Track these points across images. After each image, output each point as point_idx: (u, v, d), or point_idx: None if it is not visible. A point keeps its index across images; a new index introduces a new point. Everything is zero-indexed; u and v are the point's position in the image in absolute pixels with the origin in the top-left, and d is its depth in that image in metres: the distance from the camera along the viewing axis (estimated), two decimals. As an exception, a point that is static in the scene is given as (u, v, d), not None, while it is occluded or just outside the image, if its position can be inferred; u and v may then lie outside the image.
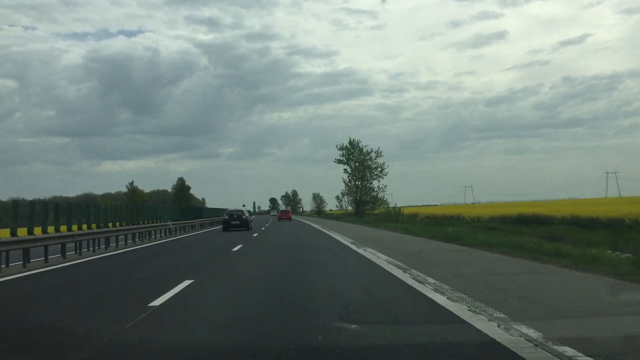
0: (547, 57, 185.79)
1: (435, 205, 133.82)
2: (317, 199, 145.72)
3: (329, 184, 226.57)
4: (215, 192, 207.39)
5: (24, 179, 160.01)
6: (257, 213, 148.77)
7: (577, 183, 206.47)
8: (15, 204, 15.71)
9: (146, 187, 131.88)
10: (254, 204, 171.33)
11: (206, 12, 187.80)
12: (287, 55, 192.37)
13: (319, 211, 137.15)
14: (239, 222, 35.94)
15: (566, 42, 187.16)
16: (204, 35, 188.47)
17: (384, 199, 66.53)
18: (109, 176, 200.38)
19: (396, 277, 10.06)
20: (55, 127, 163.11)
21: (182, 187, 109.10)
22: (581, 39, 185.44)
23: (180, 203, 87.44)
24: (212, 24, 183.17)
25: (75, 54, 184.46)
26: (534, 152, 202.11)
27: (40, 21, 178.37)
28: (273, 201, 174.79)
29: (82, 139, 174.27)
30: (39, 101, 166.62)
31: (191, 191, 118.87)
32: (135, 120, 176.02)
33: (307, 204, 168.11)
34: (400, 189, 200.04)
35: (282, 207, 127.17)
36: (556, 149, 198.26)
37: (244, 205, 60.04)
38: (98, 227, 19.11)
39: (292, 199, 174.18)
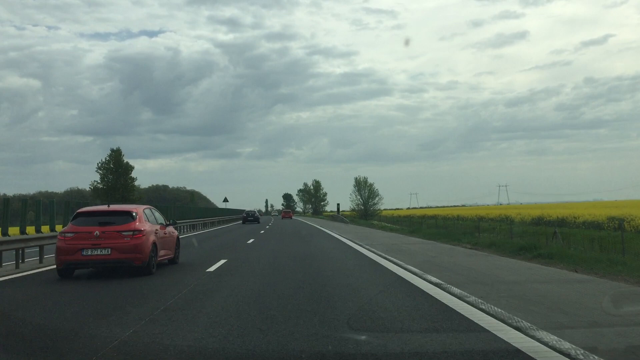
0: (569, 57, 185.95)
1: (462, 206, 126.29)
2: (364, 188, 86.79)
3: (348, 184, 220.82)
4: (233, 191, 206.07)
5: (47, 177, 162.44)
6: (262, 213, 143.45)
7: (618, 185, 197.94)
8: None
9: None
10: (267, 201, 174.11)
11: (227, 12, 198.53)
12: (306, 55, 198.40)
13: (366, 211, 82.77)
14: (252, 218, 57.56)
15: (589, 43, 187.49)
16: (225, 35, 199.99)
17: None
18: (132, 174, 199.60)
19: None
20: (77, 126, 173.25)
21: (116, 163, 64.68)
22: (604, 40, 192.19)
23: (110, 197, 57.28)
24: (232, 24, 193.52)
25: (97, 53, 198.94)
26: (555, 154, 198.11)
27: (63, 21, 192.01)
28: (287, 197, 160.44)
29: (104, 138, 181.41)
30: (62, 100, 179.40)
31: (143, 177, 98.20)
32: (156, 120, 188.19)
33: (332, 200, 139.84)
34: (420, 189, 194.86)
35: (301, 204, 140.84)
36: (578, 150, 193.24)
37: (225, 199, 69.88)
38: None
39: (313, 194, 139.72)
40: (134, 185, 66.67)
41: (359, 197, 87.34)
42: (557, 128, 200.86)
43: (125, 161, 65.82)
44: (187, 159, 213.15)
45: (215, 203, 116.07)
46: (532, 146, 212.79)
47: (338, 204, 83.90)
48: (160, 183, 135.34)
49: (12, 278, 11.94)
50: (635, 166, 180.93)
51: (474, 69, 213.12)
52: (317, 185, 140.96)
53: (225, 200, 69.70)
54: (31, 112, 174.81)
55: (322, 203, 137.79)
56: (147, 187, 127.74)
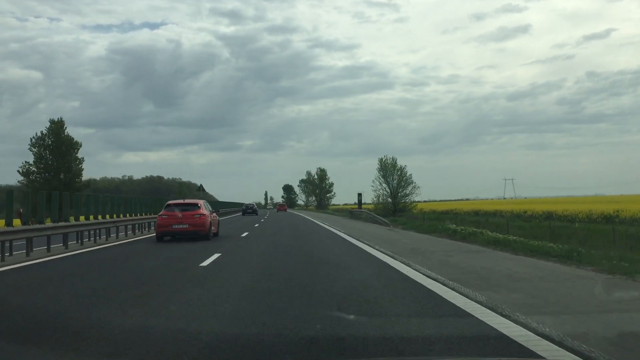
0: (571, 51, 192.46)
1: (466, 200, 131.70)
2: (391, 173, 61.45)
3: (351, 177, 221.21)
4: (233, 184, 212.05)
5: None
6: (261, 206, 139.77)
7: (623, 179, 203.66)
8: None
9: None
10: (266, 194, 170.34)
11: (229, 4, 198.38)
12: (308, 48, 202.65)
13: (394, 204, 59.28)
14: (251, 211, 67.00)
15: (591, 37, 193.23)
16: (226, 28, 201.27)
17: None
18: (130, 167, 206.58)
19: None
20: (79, 118, 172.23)
21: (56, 138, 50.13)
22: (606, 34, 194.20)
23: (47, 185, 44.10)
24: (234, 16, 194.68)
25: (99, 45, 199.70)
26: (556, 148, 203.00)
27: (65, 13, 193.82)
28: (288, 189, 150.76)
29: (105, 130, 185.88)
30: (64, 92, 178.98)
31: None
32: (157, 112, 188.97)
33: (340, 193, 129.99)
34: (420, 183, 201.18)
35: (304, 196, 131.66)
36: (579, 144, 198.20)
37: (200, 188, 65.80)
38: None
39: (317, 185, 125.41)
40: (81, 169, 51.78)
41: (384, 185, 61.28)
42: (559, 122, 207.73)
43: (68, 135, 50.77)
44: (188, 152, 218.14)
45: (214, 196, 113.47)
46: (533, 140, 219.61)
47: (360, 194, 58.93)
48: (155, 174, 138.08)
49: (130, 241, 21.30)
50: (636, 161, 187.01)
51: (475, 63, 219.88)
52: (322, 174, 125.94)
53: (201, 189, 65.19)
54: (32, 104, 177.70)
55: (327, 195, 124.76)
56: (140, 178, 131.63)
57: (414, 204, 61.30)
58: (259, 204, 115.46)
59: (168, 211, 21.00)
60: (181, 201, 22.73)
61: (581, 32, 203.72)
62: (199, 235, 20.55)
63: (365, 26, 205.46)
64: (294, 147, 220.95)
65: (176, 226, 20.47)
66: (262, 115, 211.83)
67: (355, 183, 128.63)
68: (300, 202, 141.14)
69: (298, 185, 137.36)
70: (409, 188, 60.68)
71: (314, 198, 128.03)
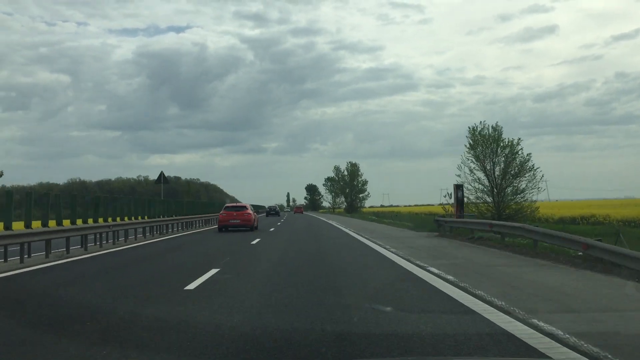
0: (599, 51, 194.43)
1: None
2: (494, 150, 31.74)
3: (373, 179, 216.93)
4: (257, 186, 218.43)
5: (76, 171, 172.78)
6: (283, 208, 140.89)
7: None
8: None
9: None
10: (288, 195, 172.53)
11: (253, 7, 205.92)
12: (332, 50, 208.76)
13: (499, 206, 31.11)
14: (274, 212, 78.83)
15: (619, 37, 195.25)
16: (251, 31, 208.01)
17: None
18: (156, 169, 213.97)
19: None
20: (106, 121, 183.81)
21: None
22: (635, 34, 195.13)
23: None
24: (258, 19, 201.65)
25: (125, 49, 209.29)
26: (584, 149, 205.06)
27: (92, 17, 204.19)
28: (312, 189, 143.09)
29: (131, 132, 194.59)
30: (91, 96, 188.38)
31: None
32: (182, 115, 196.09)
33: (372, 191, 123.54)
34: (446, 185, 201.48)
35: (330, 198, 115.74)
36: (608, 146, 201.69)
37: (159, 179, 46.12)
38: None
39: (347, 182, 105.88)
40: None
41: (477, 174, 33.28)
42: (587, 124, 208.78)
43: None
44: (213, 154, 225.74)
45: (236, 197, 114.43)
46: (561, 142, 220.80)
47: (459, 186, 29.59)
48: (174, 175, 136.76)
49: (198, 231, 32.45)
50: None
51: (501, 64, 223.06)
52: (353, 169, 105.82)
53: (161, 180, 45.45)
54: (61, 107, 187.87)
55: (360, 195, 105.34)
56: (156, 178, 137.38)
57: (534, 205, 33.97)
58: (280, 206, 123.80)
59: (226, 211, 32.30)
60: (234, 204, 34.06)
61: (609, 32, 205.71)
62: (247, 227, 31.49)
63: (389, 28, 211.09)
64: (318, 149, 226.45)
65: (232, 221, 31.63)
66: (287, 117, 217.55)
67: (379, 185, 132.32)
68: (326, 203, 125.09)
69: (323, 184, 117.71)
70: (525, 178, 32.92)
71: (342, 199, 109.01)
